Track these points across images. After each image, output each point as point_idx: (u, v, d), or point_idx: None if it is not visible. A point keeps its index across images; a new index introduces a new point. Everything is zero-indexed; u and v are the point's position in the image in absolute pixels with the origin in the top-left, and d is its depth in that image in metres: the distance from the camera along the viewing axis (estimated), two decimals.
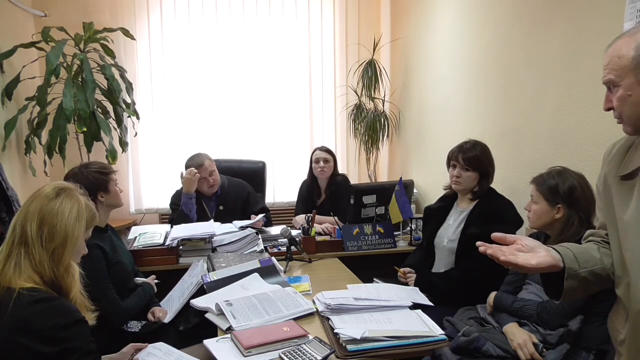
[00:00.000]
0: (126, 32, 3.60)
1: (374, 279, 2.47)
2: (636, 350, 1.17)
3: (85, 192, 1.50)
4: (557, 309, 1.80)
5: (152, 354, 1.66)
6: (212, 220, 2.98)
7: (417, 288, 2.20)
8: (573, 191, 1.86)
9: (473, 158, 2.32)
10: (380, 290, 1.98)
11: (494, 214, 2.25)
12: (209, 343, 1.61)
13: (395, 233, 2.85)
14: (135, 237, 2.79)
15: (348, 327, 1.63)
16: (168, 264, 2.55)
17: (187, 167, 3.06)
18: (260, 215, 2.94)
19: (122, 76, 3.57)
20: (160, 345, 1.72)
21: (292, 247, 2.50)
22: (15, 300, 1.24)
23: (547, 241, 1.93)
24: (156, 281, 2.33)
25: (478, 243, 1.18)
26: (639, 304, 1.14)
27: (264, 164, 3.68)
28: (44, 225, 1.34)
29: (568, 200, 1.86)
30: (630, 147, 1.22)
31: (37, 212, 1.35)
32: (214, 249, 2.59)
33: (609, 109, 1.18)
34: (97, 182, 2.13)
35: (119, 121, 3.59)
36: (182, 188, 3.02)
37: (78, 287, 1.39)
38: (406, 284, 2.35)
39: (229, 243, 2.62)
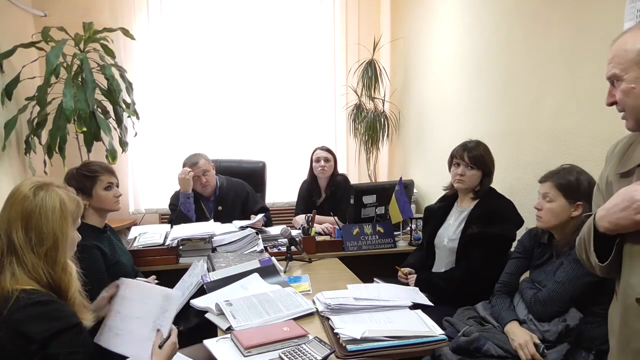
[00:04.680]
0: (126, 32, 3.59)
1: (374, 279, 2.47)
2: (626, 342, 1.20)
3: (63, 184, 1.44)
4: (545, 297, 1.80)
5: None
6: (211, 220, 2.98)
7: (417, 288, 2.20)
8: (592, 187, 1.86)
9: (478, 156, 2.32)
10: (380, 290, 1.98)
11: (494, 213, 2.26)
12: (209, 343, 1.61)
13: (395, 233, 2.85)
14: (135, 237, 2.79)
15: (348, 327, 1.63)
16: (168, 264, 2.55)
17: (183, 166, 3.07)
18: (260, 215, 2.94)
19: (122, 76, 3.57)
20: None
21: (292, 247, 2.50)
22: (14, 303, 1.24)
23: (553, 241, 1.93)
24: (156, 281, 2.32)
25: None
26: (629, 298, 1.17)
27: (264, 164, 3.68)
28: (30, 231, 1.29)
29: (590, 197, 1.86)
30: (629, 147, 1.24)
31: (19, 217, 1.30)
32: (214, 249, 2.60)
33: (611, 104, 1.19)
34: (80, 185, 2.03)
35: (119, 121, 3.58)
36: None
37: (76, 285, 1.37)
38: (407, 284, 2.35)
39: (229, 243, 2.62)
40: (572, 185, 1.84)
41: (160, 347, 1.44)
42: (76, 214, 1.41)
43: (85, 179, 2.10)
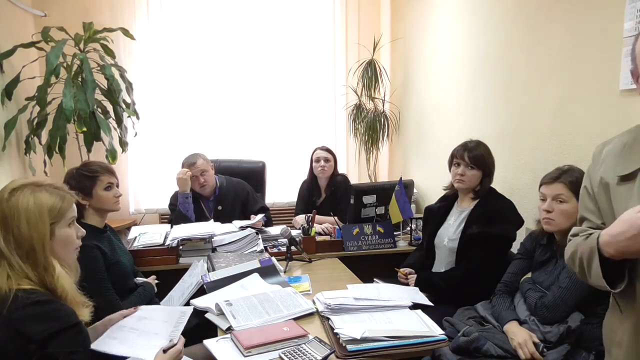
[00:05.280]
0: (126, 32, 3.59)
1: (374, 279, 2.47)
2: (636, 354, 1.17)
3: (43, 182, 1.41)
4: (550, 303, 1.80)
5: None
6: (211, 220, 2.98)
7: (417, 288, 2.20)
8: None
9: (478, 156, 2.32)
10: (380, 290, 1.98)
11: (494, 213, 2.25)
12: (209, 343, 1.61)
13: (395, 233, 2.85)
14: (135, 237, 2.79)
15: (348, 327, 1.63)
16: (168, 264, 2.56)
17: (182, 166, 3.07)
18: (260, 216, 2.94)
19: (122, 76, 3.57)
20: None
21: (292, 247, 2.51)
22: (12, 302, 1.24)
23: (554, 241, 1.92)
24: (156, 281, 2.33)
25: None
26: None
27: (264, 164, 3.68)
28: (8, 234, 1.29)
29: None
30: (624, 147, 1.21)
31: None
32: (214, 249, 2.60)
33: None
34: (80, 185, 2.03)
35: (119, 121, 3.58)
36: None
37: (63, 282, 1.35)
38: (407, 284, 2.36)
39: (229, 243, 2.62)
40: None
41: (164, 351, 1.45)
42: (61, 209, 1.37)
43: (85, 179, 2.10)
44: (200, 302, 1.92)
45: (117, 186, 2.22)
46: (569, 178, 1.83)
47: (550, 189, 1.86)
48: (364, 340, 1.54)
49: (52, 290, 1.33)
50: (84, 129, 3.25)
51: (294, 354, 1.49)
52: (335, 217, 2.96)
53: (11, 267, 1.28)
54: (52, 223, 1.35)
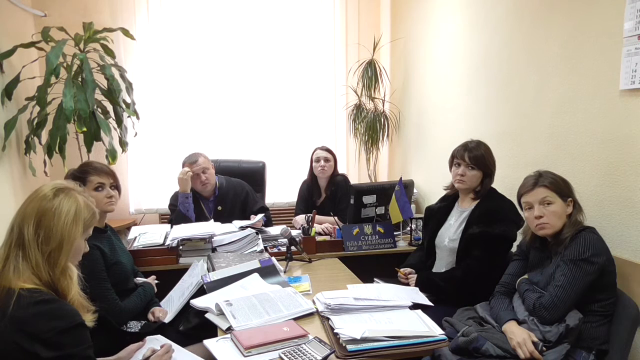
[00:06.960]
0: (126, 32, 3.59)
1: (374, 279, 2.47)
2: None
3: (82, 191, 1.47)
4: (548, 303, 1.80)
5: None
6: (211, 220, 2.98)
7: (417, 288, 2.20)
8: (567, 183, 1.90)
9: (478, 157, 2.32)
10: (380, 290, 1.98)
11: (495, 213, 2.25)
12: (209, 343, 1.61)
13: (395, 233, 2.85)
14: (135, 237, 2.79)
15: (348, 327, 1.63)
16: (168, 264, 2.56)
17: (183, 165, 3.07)
18: (260, 215, 2.94)
19: (122, 76, 3.57)
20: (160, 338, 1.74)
21: (292, 247, 2.51)
22: (16, 301, 1.24)
23: (547, 243, 1.93)
24: (156, 281, 2.33)
25: None
26: None
27: (264, 164, 3.68)
28: (40, 228, 1.33)
29: (572, 191, 1.89)
30: None
31: (34, 214, 1.34)
32: (214, 249, 2.60)
33: None
34: None
35: (119, 121, 3.58)
36: None
37: (76, 289, 1.38)
38: (407, 284, 2.36)
39: (229, 243, 2.62)
40: (559, 183, 1.88)
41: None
42: (89, 223, 1.43)
43: (76, 180, 2.10)
44: (200, 302, 1.93)
45: (115, 187, 2.20)
46: (547, 180, 1.88)
47: (533, 195, 1.88)
48: (364, 340, 1.54)
49: (63, 295, 1.35)
50: (84, 129, 3.25)
51: (294, 354, 1.49)
52: (335, 217, 2.96)
53: (26, 259, 1.31)
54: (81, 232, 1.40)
